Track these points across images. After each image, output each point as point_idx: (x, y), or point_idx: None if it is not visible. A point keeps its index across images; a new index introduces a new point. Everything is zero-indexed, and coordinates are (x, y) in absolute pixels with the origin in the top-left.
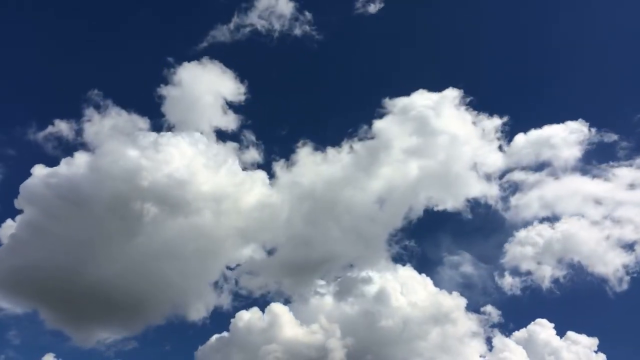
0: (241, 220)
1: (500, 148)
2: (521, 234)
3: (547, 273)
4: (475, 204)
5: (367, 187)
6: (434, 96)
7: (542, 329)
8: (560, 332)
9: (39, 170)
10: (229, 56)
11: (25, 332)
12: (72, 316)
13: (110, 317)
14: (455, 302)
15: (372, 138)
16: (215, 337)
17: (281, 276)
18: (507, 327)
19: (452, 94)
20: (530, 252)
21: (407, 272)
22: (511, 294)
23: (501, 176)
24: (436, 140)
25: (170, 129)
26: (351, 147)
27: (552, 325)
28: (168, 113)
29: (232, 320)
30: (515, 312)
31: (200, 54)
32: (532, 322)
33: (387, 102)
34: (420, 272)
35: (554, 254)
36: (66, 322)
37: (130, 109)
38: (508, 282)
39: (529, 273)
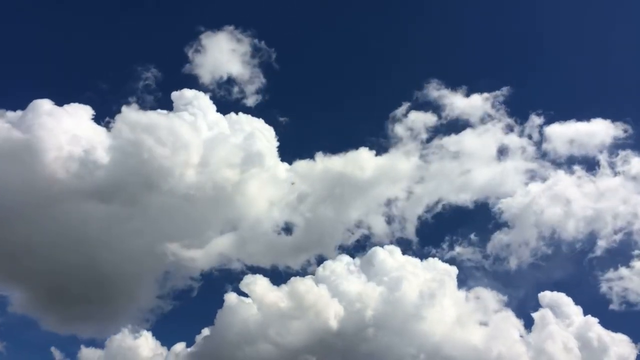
0: (266, 196)
1: (534, 145)
2: (554, 226)
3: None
4: (507, 201)
5: (395, 177)
6: (468, 92)
7: (577, 314)
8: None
9: None
10: (258, 26)
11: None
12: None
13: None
14: (483, 294)
15: (398, 133)
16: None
17: (304, 251)
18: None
19: (487, 93)
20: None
21: (433, 263)
22: (540, 284)
23: (536, 174)
24: (466, 137)
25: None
26: (380, 139)
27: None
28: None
29: (252, 293)
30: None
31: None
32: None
33: (421, 96)
34: (446, 263)
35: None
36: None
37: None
38: (538, 274)
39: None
